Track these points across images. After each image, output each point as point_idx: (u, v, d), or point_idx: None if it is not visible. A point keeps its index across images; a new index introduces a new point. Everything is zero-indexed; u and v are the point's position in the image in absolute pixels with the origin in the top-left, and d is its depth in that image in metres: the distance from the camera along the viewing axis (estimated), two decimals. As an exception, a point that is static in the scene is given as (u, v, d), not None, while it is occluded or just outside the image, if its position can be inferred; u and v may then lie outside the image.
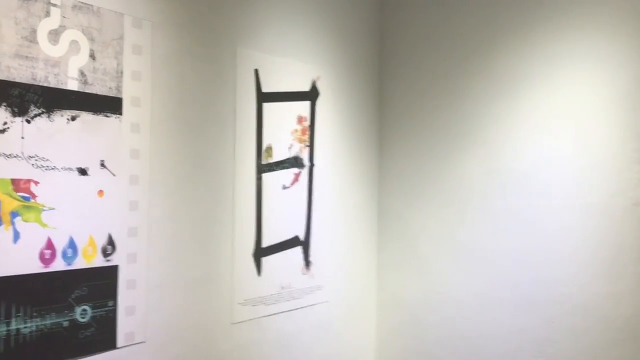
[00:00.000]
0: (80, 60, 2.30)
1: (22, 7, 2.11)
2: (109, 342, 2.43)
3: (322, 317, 3.52)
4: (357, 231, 3.81)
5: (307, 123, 3.34)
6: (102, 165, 2.36)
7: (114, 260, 2.42)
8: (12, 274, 2.12)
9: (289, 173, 3.24)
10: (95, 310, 2.37)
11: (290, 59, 3.25)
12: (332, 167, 3.58)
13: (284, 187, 3.20)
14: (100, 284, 2.38)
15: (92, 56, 2.32)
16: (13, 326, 2.12)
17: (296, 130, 3.27)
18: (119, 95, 2.42)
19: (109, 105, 2.38)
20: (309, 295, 3.37)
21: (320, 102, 3.44)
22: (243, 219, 3.01)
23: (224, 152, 2.92)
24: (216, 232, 2.89)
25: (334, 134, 3.59)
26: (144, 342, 2.54)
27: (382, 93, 3.93)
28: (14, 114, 2.08)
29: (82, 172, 2.29)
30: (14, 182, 2.10)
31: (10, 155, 2.08)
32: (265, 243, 3.09)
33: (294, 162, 3.27)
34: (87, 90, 2.31)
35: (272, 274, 3.16)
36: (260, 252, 3.06)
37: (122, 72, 2.43)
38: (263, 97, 3.07)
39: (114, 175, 2.39)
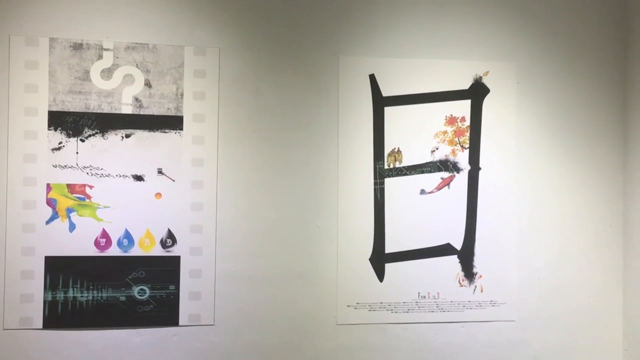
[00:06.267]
0: (134, 89, 2.65)
1: (75, 55, 2.59)
2: (169, 320, 2.63)
3: (499, 337, 2.94)
4: (583, 242, 3.02)
5: (465, 124, 2.85)
6: (160, 172, 2.62)
7: (175, 251, 2.63)
8: (69, 254, 2.56)
9: (431, 177, 2.83)
10: (155, 291, 2.63)
11: (430, 59, 2.90)
12: (518, 170, 2.96)
13: (423, 192, 2.80)
14: (159, 270, 2.63)
15: (148, 84, 2.64)
16: (70, 294, 2.56)
17: (444, 132, 2.83)
18: (178, 114, 2.64)
19: (168, 123, 2.64)
20: (473, 310, 2.85)
21: (490, 100, 2.87)
22: (353, 224, 2.82)
23: (323, 158, 2.82)
24: (312, 235, 2.79)
25: (522, 134, 2.98)
26: (212, 324, 2.64)
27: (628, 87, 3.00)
28: (69, 135, 2.58)
29: (138, 178, 2.61)
30: (69, 186, 2.58)
31: (65, 166, 2.58)
32: (390, 249, 2.78)
33: (441, 166, 2.83)
34: (142, 113, 2.63)
35: (404, 281, 2.84)
36: (382, 258, 2.78)
37: (182, 95, 2.63)
38: (384, 102, 2.80)
39: (173, 180, 2.62)
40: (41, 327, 2.56)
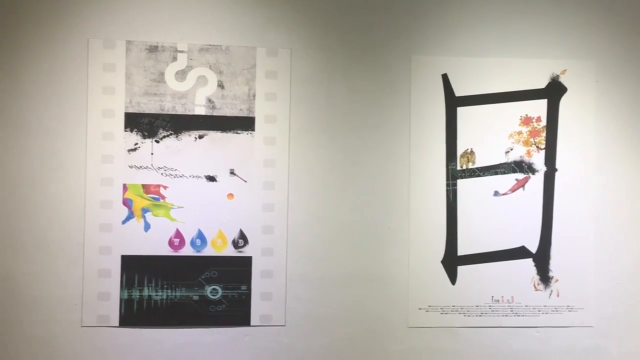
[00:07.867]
0: (207, 90, 2.62)
1: (150, 58, 2.58)
2: (241, 320, 2.60)
3: (576, 343, 2.81)
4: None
5: (541, 124, 2.74)
6: (232, 173, 2.60)
7: (247, 252, 2.60)
8: (144, 254, 2.55)
9: (505, 179, 2.72)
10: (227, 291, 2.60)
11: (504, 58, 2.79)
12: (597, 171, 2.83)
13: (497, 194, 2.70)
14: (231, 270, 2.60)
15: (221, 86, 2.62)
16: (145, 293, 2.56)
17: (519, 133, 2.73)
18: (250, 115, 2.61)
19: (240, 123, 2.61)
20: (549, 315, 2.73)
21: (567, 100, 2.75)
22: (425, 226, 2.73)
23: (394, 158, 2.74)
24: (383, 237, 2.72)
25: (601, 134, 2.84)
26: (283, 325, 2.60)
27: None
28: (144, 137, 2.57)
29: (211, 179, 2.59)
30: (144, 186, 2.57)
31: (141, 167, 2.57)
32: (463, 251, 2.69)
33: (516, 167, 2.72)
34: (215, 114, 2.61)
35: (477, 285, 2.75)
36: (454, 260, 2.69)
37: (254, 95, 2.61)
38: (457, 102, 2.71)
39: (244, 181, 2.59)
40: (117, 324, 2.56)
